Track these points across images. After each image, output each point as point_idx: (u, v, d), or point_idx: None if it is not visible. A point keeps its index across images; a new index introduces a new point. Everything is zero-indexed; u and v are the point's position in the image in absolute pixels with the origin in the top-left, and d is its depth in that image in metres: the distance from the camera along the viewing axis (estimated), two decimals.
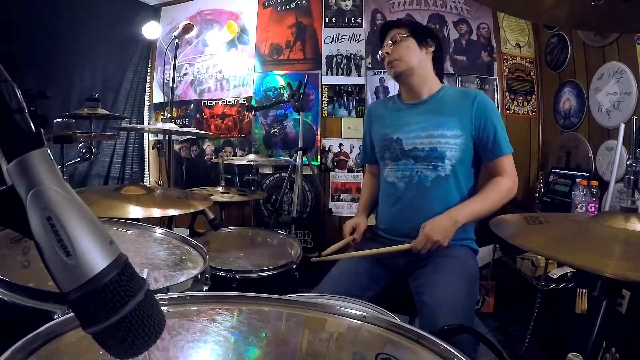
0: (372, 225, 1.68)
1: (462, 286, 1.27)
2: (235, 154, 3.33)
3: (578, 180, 2.37)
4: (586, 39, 2.63)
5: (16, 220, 0.39)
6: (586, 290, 1.93)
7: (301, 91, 2.59)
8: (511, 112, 3.14)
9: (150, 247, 1.18)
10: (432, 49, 1.53)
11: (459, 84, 3.09)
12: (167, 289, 0.89)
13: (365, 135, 1.76)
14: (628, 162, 0.89)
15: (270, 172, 3.29)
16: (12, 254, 0.96)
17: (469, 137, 1.45)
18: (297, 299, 0.76)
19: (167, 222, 2.02)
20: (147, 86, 3.57)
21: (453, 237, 1.41)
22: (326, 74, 3.18)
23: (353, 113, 3.15)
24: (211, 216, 1.68)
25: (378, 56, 1.62)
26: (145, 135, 3.53)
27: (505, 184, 1.45)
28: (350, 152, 3.18)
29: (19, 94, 0.39)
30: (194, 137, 3.42)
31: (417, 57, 1.50)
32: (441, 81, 1.60)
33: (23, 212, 0.38)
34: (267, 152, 3.27)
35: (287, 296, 0.83)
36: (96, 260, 0.38)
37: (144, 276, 0.78)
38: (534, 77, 3.18)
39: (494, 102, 3.10)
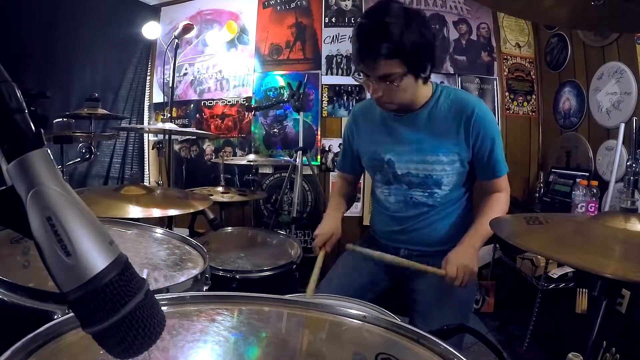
0: (367, 225, 1.67)
1: (453, 316, 1.24)
2: (235, 154, 3.33)
3: (578, 180, 2.37)
4: (586, 39, 2.63)
5: (16, 220, 0.39)
6: (586, 290, 1.93)
7: (301, 91, 2.59)
8: (511, 112, 3.14)
9: (150, 247, 1.18)
10: (429, 72, 1.28)
11: (459, 84, 3.09)
12: (167, 289, 0.89)
13: (346, 143, 1.58)
14: (628, 163, 0.88)
15: (270, 172, 3.29)
16: (12, 254, 0.96)
17: (465, 158, 1.35)
18: (297, 299, 0.76)
19: (167, 222, 2.01)
20: (147, 86, 3.56)
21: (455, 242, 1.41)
22: (326, 74, 3.18)
23: None
24: (211, 216, 1.68)
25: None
26: (145, 135, 3.53)
27: (504, 199, 1.40)
28: None
29: (19, 94, 0.39)
30: (194, 137, 3.42)
31: (412, 91, 1.29)
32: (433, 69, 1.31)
33: (23, 212, 0.38)
34: (267, 152, 3.27)
35: (287, 296, 0.83)
36: (96, 260, 0.38)
37: (144, 276, 0.78)
38: (533, 77, 3.18)
39: (494, 102, 3.11)
